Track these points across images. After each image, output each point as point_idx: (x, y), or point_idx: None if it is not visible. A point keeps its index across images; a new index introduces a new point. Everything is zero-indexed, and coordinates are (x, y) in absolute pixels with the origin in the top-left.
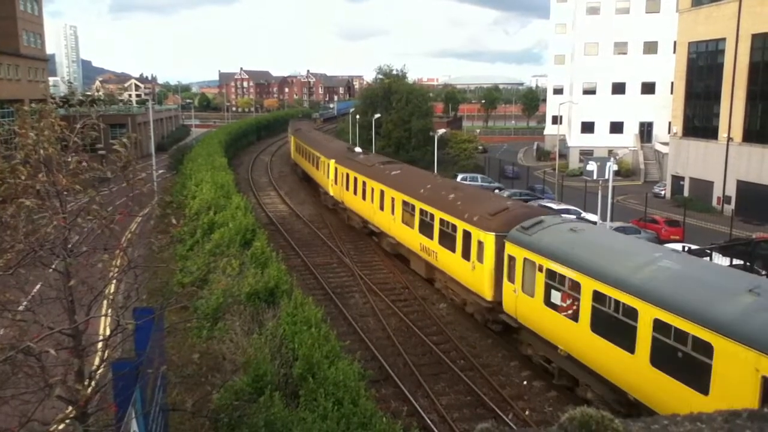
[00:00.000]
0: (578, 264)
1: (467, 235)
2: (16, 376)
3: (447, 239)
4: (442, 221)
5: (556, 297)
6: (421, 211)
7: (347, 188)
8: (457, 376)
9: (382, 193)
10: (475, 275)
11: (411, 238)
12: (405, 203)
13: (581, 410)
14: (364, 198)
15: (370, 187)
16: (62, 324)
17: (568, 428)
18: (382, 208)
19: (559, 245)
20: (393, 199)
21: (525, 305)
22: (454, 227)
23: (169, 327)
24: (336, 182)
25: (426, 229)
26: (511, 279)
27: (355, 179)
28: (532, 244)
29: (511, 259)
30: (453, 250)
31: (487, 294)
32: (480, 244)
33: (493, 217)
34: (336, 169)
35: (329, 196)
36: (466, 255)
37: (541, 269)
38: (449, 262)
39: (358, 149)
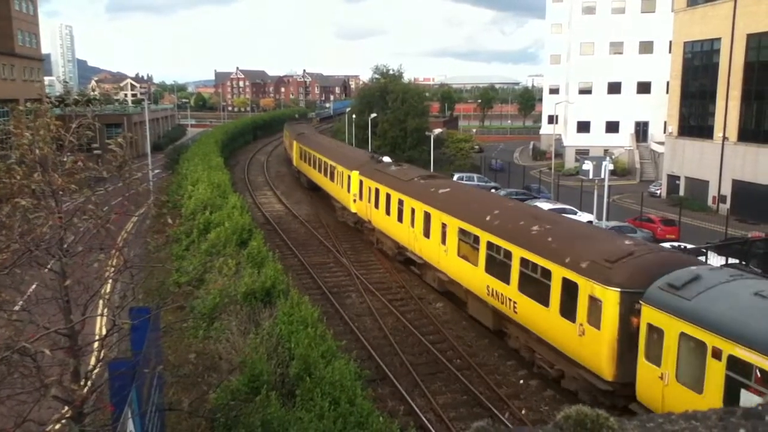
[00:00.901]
0: None
1: (570, 287)
2: (12, 377)
3: (533, 287)
4: (525, 262)
5: (750, 400)
6: (490, 245)
7: (376, 206)
8: (453, 375)
9: (427, 215)
10: (584, 343)
11: (472, 276)
12: (463, 232)
13: (577, 409)
14: (400, 219)
15: (409, 207)
16: (58, 324)
17: (563, 427)
18: (427, 234)
19: (749, 321)
20: (444, 225)
21: (682, 400)
22: (547, 273)
23: (165, 327)
24: (360, 197)
25: (497, 268)
26: (654, 359)
27: (388, 196)
28: (695, 313)
29: (654, 330)
30: (544, 302)
31: (606, 372)
32: (594, 301)
33: (614, 264)
34: (361, 182)
35: (350, 212)
36: (567, 313)
37: (718, 355)
38: (537, 317)
39: (386, 159)
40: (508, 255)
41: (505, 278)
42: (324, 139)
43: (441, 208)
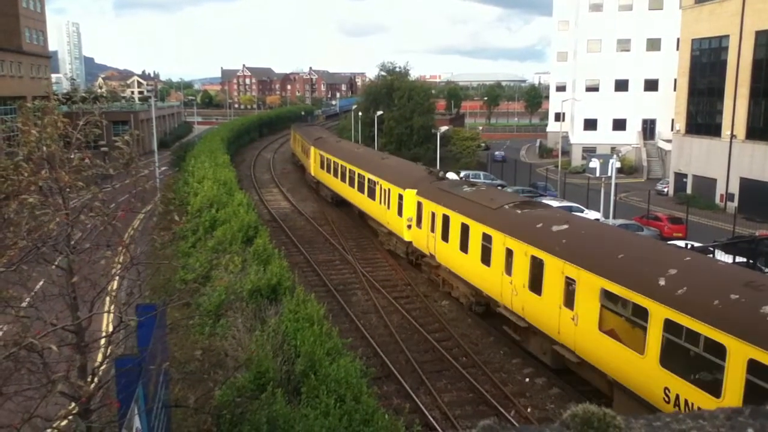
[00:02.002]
0: None
1: None
2: (19, 373)
3: None
4: (757, 367)
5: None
6: (673, 327)
7: (444, 237)
8: (459, 373)
9: (536, 262)
10: None
11: (633, 368)
12: (612, 297)
13: (583, 407)
14: (485, 261)
15: (501, 245)
16: (65, 320)
17: (570, 425)
18: (536, 289)
19: None
20: (571, 282)
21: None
22: None
23: (171, 324)
24: (418, 224)
25: (690, 364)
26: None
27: (465, 227)
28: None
29: None
30: None
31: None
32: None
33: None
34: (419, 204)
35: (401, 240)
36: None
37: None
38: None
39: (451, 175)
40: (716, 350)
41: (714, 388)
42: (351, 146)
43: (564, 255)
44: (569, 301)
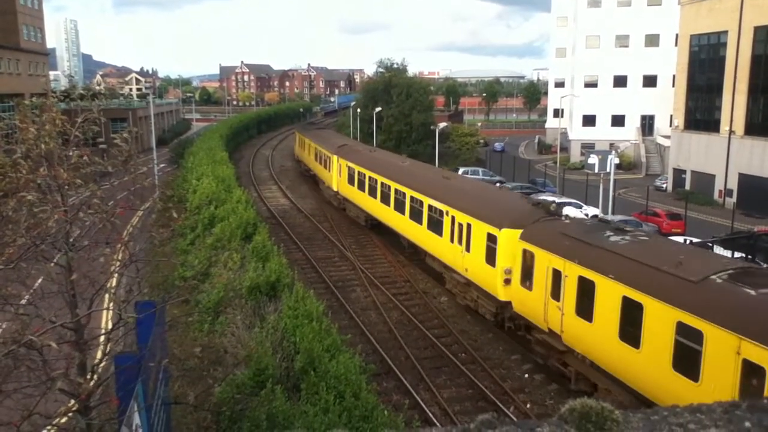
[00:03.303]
0: None
1: None
2: (19, 370)
3: None
4: None
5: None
6: None
7: (581, 311)
8: (458, 369)
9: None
10: None
11: None
12: None
13: (581, 401)
14: (691, 374)
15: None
16: (64, 318)
17: (567, 419)
18: None
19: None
20: None
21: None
22: None
23: (170, 321)
24: (528, 283)
25: None
26: None
27: (633, 308)
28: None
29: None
30: None
31: None
32: None
33: None
34: (529, 255)
35: (492, 298)
36: None
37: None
38: None
39: (573, 212)
40: None
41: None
42: (393, 158)
43: None
44: None
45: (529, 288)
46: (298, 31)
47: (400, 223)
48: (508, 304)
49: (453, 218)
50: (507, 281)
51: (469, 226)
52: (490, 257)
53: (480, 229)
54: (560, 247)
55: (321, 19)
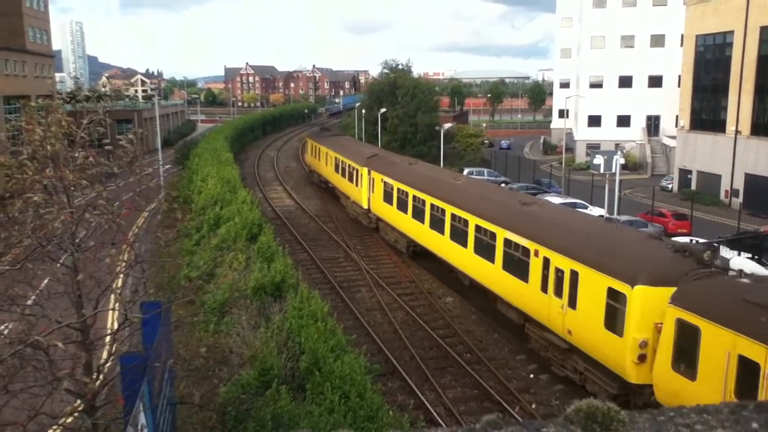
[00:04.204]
0: None
1: None
2: (25, 370)
3: None
4: None
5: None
6: None
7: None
8: (463, 369)
9: None
10: None
11: None
12: None
13: (587, 402)
14: None
15: None
16: (70, 318)
17: (573, 420)
18: None
19: None
20: None
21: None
22: None
23: (176, 321)
24: (690, 369)
25: None
26: None
27: None
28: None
29: None
30: None
31: None
32: None
33: None
34: (691, 330)
35: (618, 377)
36: None
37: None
38: None
39: (742, 263)
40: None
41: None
42: (443, 174)
43: None
44: None
45: (691, 377)
46: (303, 32)
47: (460, 257)
48: (644, 388)
49: (546, 260)
50: (642, 358)
51: (574, 274)
52: (613, 322)
53: (594, 281)
54: (754, 325)
55: (325, 20)
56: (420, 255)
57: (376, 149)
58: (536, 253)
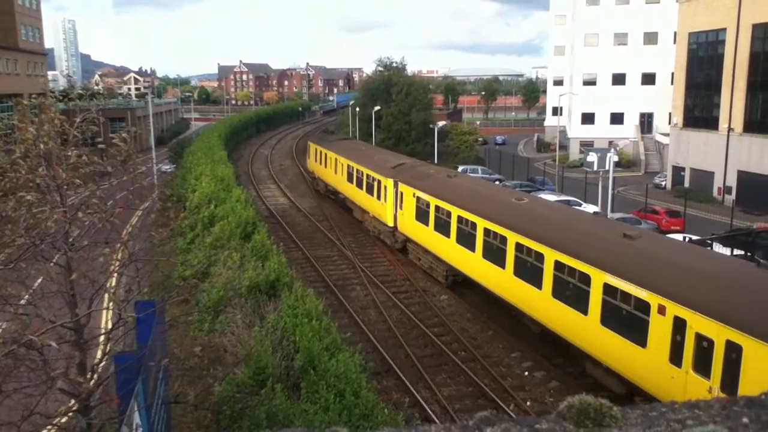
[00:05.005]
0: None
1: None
2: (19, 370)
3: None
4: None
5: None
6: None
7: None
8: (458, 367)
9: None
10: None
11: None
12: None
13: (579, 398)
14: None
15: None
16: (64, 318)
17: (566, 416)
18: None
19: None
20: None
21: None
22: None
23: (170, 320)
24: None
25: None
26: None
27: None
28: None
29: None
30: None
31: None
32: None
33: None
34: None
35: None
36: None
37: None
38: None
39: None
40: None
41: None
42: (500, 192)
43: None
44: None
45: None
46: (297, 31)
47: (529, 298)
48: None
49: (680, 322)
50: None
51: (732, 347)
52: None
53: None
54: None
55: (319, 18)
56: (462, 284)
57: (401, 157)
58: (661, 310)
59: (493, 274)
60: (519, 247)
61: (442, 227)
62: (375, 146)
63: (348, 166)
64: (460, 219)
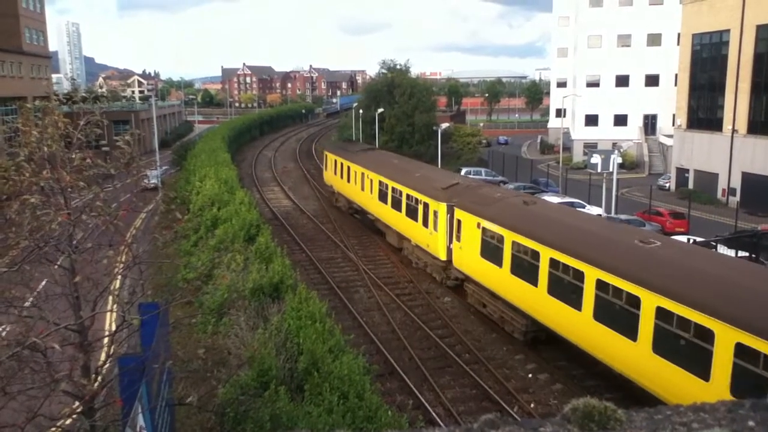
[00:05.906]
0: None
1: None
2: (23, 372)
3: None
4: None
5: None
6: None
7: None
8: (462, 369)
9: None
10: None
11: None
12: None
13: (584, 401)
14: None
15: None
16: (68, 320)
17: (571, 419)
18: None
19: None
20: None
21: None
22: None
23: (174, 322)
24: None
25: None
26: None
27: None
28: None
29: None
30: None
31: None
32: None
33: None
34: None
35: None
36: None
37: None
38: None
39: None
40: None
41: None
42: (606, 228)
43: None
44: None
45: None
46: (300, 33)
47: (670, 382)
48: None
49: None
50: None
51: None
52: None
53: None
54: None
55: (322, 20)
56: (544, 342)
57: (453, 175)
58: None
59: (612, 343)
60: (662, 312)
61: (524, 271)
62: (409, 159)
63: (380, 182)
64: (554, 263)
